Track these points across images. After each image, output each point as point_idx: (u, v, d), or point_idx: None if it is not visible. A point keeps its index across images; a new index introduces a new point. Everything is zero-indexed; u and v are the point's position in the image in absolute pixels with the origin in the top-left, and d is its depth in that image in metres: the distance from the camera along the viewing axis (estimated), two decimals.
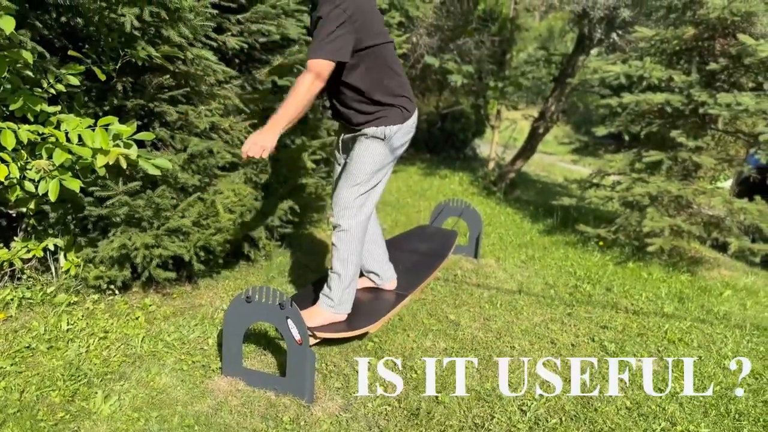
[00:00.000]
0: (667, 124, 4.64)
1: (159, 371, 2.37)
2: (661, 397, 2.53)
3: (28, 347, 2.43)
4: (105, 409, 2.10)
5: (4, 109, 2.36)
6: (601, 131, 4.93)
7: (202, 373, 2.40)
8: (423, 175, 7.97)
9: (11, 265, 2.77)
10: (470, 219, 4.24)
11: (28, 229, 2.80)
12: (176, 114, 2.75)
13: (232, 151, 3.02)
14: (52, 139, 2.32)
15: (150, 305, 2.88)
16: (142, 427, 2.05)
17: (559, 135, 12.30)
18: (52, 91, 2.42)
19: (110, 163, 2.35)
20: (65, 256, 2.83)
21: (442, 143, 9.79)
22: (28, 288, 2.78)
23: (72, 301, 2.77)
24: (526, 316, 3.28)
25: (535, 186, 8.46)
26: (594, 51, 6.94)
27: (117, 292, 2.92)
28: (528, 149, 7.57)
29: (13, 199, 2.45)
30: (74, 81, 2.44)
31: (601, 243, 4.83)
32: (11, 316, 2.63)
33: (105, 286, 2.84)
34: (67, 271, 2.82)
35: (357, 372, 2.51)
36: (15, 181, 2.40)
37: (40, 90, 2.39)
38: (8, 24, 2.05)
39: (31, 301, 2.72)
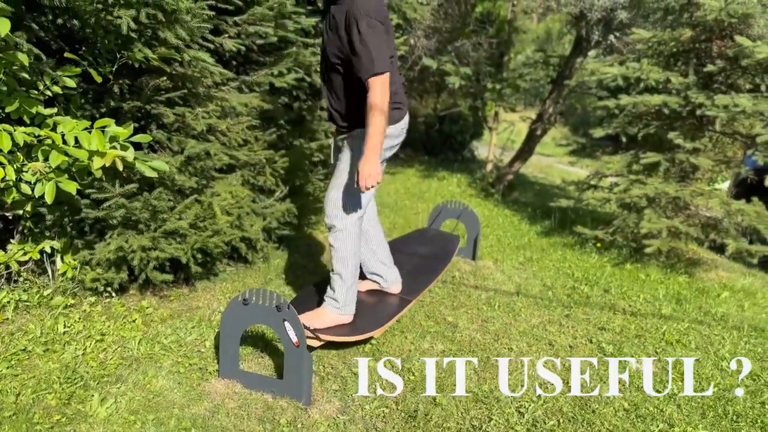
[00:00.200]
0: (664, 126, 4.64)
1: (156, 374, 2.36)
2: (659, 399, 2.53)
3: (24, 350, 2.42)
4: (101, 412, 2.09)
5: (0, 111, 2.36)
6: (598, 133, 4.93)
7: (199, 375, 2.39)
8: (421, 177, 7.97)
9: (7, 267, 2.76)
10: (468, 221, 4.23)
11: (25, 231, 2.80)
12: (173, 116, 2.74)
13: (230, 153, 3.02)
14: (49, 141, 2.31)
15: (147, 308, 2.88)
16: (139, 430, 2.04)
17: (557, 137, 12.28)
18: (49, 93, 2.41)
19: (107, 165, 2.34)
20: (62, 258, 2.82)
21: (440, 145, 9.80)
22: (24, 290, 2.77)
23: (69, 304, 2.76)
24: (524, 318, 3.28)
25: (533, 188, 8.47)
26: (591, 53, 6.95)
27: (114, 294, 2.91)
28: (526, 151, 7.58)
29: (9, 201, 2.44)
30: (71, 83, 2.43)
31: (598, 244, 4.83)
32: (7, 319, 2.62)
33: (102, 288, 2.83)
34: (64, 273, 2.82)
35: (354, 374, 2.51)
36: (11, 183, 2.39)
37: (36, 92, 2.39)
38: (4, 26, 2.04)
39: (28, 303, 2.72)
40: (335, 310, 2.59)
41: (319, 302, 2.70)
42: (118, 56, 2.55)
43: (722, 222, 4.46)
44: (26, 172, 2.36)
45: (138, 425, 2.06)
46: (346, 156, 2.56)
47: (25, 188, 2.40)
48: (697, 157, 4.40)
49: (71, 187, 2.35)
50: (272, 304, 2.21)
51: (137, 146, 2.63)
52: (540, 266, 4.31)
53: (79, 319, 2.68)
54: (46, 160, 2.32)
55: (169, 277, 2.90)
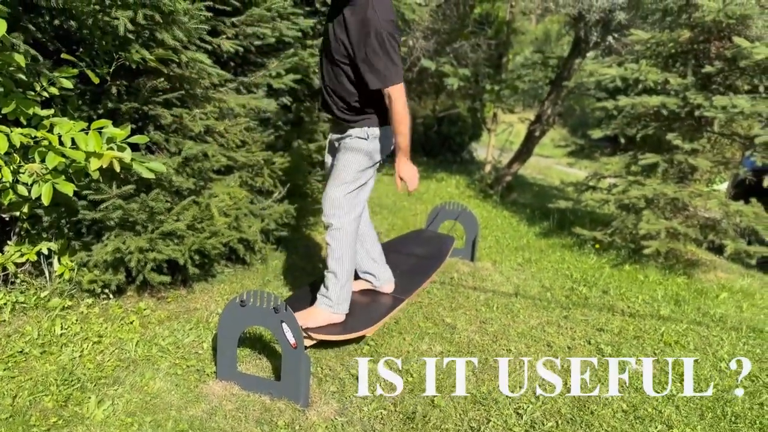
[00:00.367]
0: (662, 127, 4.64)
1: (153, 376, 2.35)
2: (657, 400, 2.52)
3: (21, 352, 2.41)
4: (98, 414, 2.08)
5: None
6: (597, 134, 4.93)
7: (197, 377, 2.38)
8: (419, 178, 7.94)
9: (4, 269, 2.76)
10: (467, 222, 4.23)
11: (22, 233, 2.79)
12: (171, 117, 2.74)
13: (228, 154, 3.01)
14: (45, 142, 2.30)
15: (144, 309, 2.87)
16: None
17: (556, 138, 12.26)
18: (45, 94, 2.41)
19: (104, 166, 2.33)
20: (59, 260, 2.81)
21: (439, 146, 9.79)
22: (21, 292, 2.76)
23: (66, 306, 2.75)
24: (522, 319, 3.27)
25: (531, 189, 8.47)
26: (590, 54, 6.95)
27: (111, 296, 2.90)
28: (524, 152, 7.58)
29: (6, 202, 2.43)
30: (68, 84, 2.43)
31: (597, 246, 4.83)
32: (4, 321, 2.61)
33: (99, 290, 2.82)
34: (61, 275, 2.81)
35: (352, 376, 2.50)
36: (8, 184, 2.38)
37: (33, 93, 2.38)
38: (0, 27, 2.03)
39: (25, 305, 2.71)
40: (328, 308, 2.60)
41: (313, 301, 2.70)
42: (116, 57, 2.55)
43: (721, 223, 4.47)
44: (23, 173, 2.35)
45: (135, 427, 2.05)
46: (342, 156, 2.58)
47: (22, 190, 2.39)
48: (696, 158, 4.41)
49: (68, 189, 2.35)
50: (270, 305, 2.20)
51: (134, 147, 2.62)
52: (538, 267, 4.30)
53: (77, 320, 2.67)
54: (42, 161, 2.32)
55: (167, 278, 2.89)
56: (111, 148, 2.37)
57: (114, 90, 2.64)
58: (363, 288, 3.01)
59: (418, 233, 4.15)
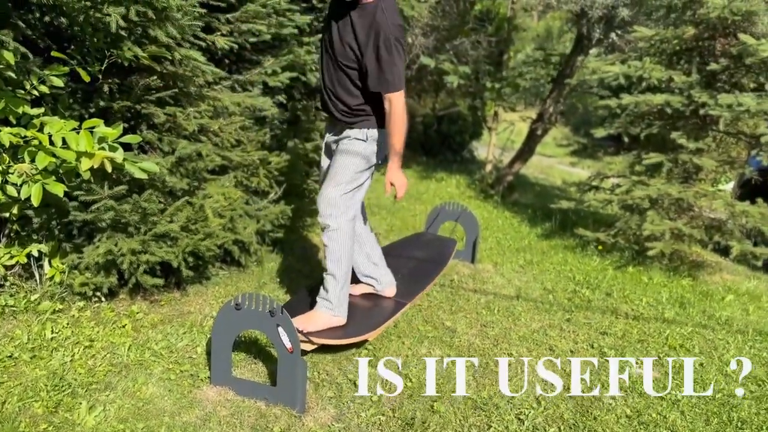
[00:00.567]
0: (667, 126, 4.59)
1: (146, 381, 2.31)
2: (662, 405, 2.47)
3: (10, 356, 2.36)
4: (89, 421, 2.04)
5: None
6: (600, 133, 4.88)
7: (191, 382, 2.34)
8: (419, 178, 7.91)
9: None
10: (467, 223, 4.18)
11: (11, 234, 2.74)
12: (164, 116, 2.70)
13: (222, 154, 2.97)
14: (35, 142, 2.27)
15: (137, 313, 2.82)
16: None
17: (558, 137, 12.24)
18: (36, 92, 2.37)
19: (95, 166, 2.29)
20: (50, 262, 2.77)
21: (439, 145, 9.73)
22: (11, 295, 2.71)
23: (57, 309, 2.70)
24: (524, 322, 3.22)
25: (533, 189, 8.42)
26: (593, 51, 6.88)
27: (103, 299, 2.85)
28: (526, 151, 7.52)
29: None
30: (58, 82, 2.40)
31: (600, 247, 4.77)
32: None
33: (91, 293, 2.77)
34: (52, 277, 2.76)
35: (350, 380, 2.46)
36: None
37: (22, 92, 2.34)
38: None
39: (14, 308, 2.65)
40: (328, 311, 2.59)
41: (312, 305, 2.67)
42: (107, 55, 2.51)
43: (726, 224, 4.42)
44: (12, 173, 2.33)
45: None
46: (340, 157, 2.56)
47: (11, 190, 2.36)
48: (701, 158, 4.35)
49: (58, 189, 2.32)
50: (266, 309, 2.16)
51: (127, 147, 2.57)
52: (540, 269, 4.25)
53: (68, 324, 2.63)
54: (32, 161, 2.29)
55: (160, 281, 2.84)
56: (102, 148, 2.33)
57: (106, 88, 2.60)
58: (364, 292, 2.99)
59: (419, 236, 4.12)
